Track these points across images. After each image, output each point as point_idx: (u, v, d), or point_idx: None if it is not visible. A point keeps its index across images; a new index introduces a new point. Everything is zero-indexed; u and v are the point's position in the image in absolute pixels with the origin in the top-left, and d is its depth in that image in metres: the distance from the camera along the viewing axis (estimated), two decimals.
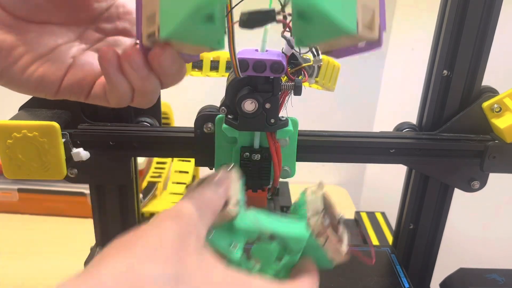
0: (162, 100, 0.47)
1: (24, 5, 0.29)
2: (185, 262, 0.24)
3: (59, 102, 0.43)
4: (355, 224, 0.74)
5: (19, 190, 0.79)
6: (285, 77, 0.37)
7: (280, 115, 0.37)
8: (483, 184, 0.48)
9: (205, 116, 0.42)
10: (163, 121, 0.52)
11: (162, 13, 0.26)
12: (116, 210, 0.50)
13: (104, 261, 0.22)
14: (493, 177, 0.48)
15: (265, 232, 0.31)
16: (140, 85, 0.28)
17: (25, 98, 0.43)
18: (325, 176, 1.05)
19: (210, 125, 0.41)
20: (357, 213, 0.76)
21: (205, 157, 0.43)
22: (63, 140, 0.43)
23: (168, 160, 0.84)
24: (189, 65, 0.55)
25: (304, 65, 0.38)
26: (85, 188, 0.79)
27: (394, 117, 0.55)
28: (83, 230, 0.76)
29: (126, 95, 0.29)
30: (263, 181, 0.41)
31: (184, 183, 0.78)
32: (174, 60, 0.27)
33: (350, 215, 0.77)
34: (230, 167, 0.31)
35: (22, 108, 0.44)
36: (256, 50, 0.35)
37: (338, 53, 0.29)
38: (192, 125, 0.43)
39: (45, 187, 0.79)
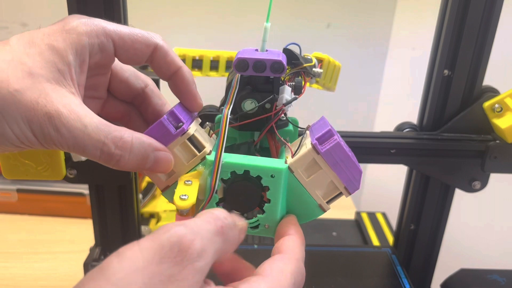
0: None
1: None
2: None
3: None
4: (356, 225, 0.74)
5: (18, 191, 0.79)
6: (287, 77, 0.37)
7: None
8: (484, 184, 0.48)
9: (205, 116, 0.41)
10: None
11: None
12: (116, 211, 0.50)
13: None
14: (494, 177, 0.48)
15: (240, 166, 0.31)
16: None
17: None
18: None
19: (210, 125, 0.41)
20: (358, 214, 0.76)
21: None
22: None
23: None
24: (189, 65, 0.55)
25: (305, 65, 0.38)
26: (84, 189, 0.78)
27: (395, 117, 0.55)
28: (83, 230, 0.76)
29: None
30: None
31: None
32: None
33: (350, 215, 0.77)
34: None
35: None
36: (256, 50, 0.35)
37: None
38: None
39: (44, 187, 0.79)
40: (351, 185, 0.31)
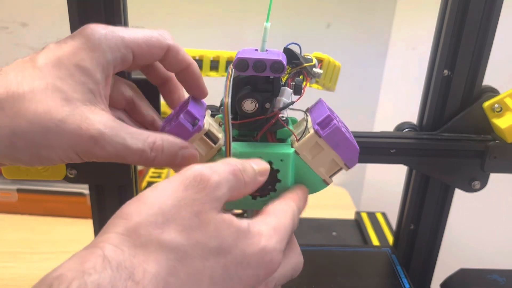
0: (162, 101, 0.47)
1: None
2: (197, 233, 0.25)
3: None
4: (356, 225, 0.74)
5: (19, 191, 0.79)
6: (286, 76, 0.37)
7: (279, 115, 0.37)
8: (484, 184, 0.48)
9: None
10: None
11: None
12: (116, 211, 0.50)
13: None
14: (494, 177, 0.48)
15: (252, 154, 0.34)
16: None
17: None
18: None
19: None
20: (358, 214, 0.76)
21: None
22: None
23: None
24: None
25: (305, 65, 0.38)
26: (84, 189, 0.79)
27: (395, 117, 0.55)
28: (83, 230, 0.76)
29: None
30: None
31: None
32: None
33: (350, 215, 0.77)
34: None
35: None
36: (256, 50, 0.35)
37: None
38: None
39: (44, 187, 0.79)
40: (350, 161, 0.36)
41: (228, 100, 0.32)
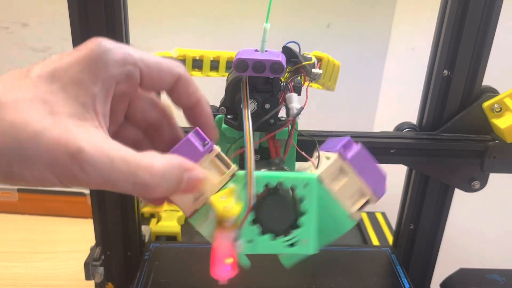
0: (162, 100, 0.47)
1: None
2: None
3: None
4: (355, 224, 0.74)
5: (19, 190, 0.79)
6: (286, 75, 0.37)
7: (280, 115, 0.37)
8: (483, 184, 0.48)
9: None
10: None
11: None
12: (116, 210, 0.50)
13: None
14: (493, 177, 0.48)
15: (272, 178, 0.30)
16: None
17: None
18: None
19: None
20: None
21: None
22: None
23: None
24: (189, 65, 0.55)
25: (304, 63, 0.38)
26: (85, 188, 0.79)
27: (394, 117, 0.55)
28: (83, 230, 0.76)
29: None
30: None
31: None
32: None
33: None
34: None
35: None
36: (256, 50, 0.35)
37: None
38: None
39: (44, 187, 0.79)
40: (378, 189, 0.31)
41: (248, 114, 0.31)
